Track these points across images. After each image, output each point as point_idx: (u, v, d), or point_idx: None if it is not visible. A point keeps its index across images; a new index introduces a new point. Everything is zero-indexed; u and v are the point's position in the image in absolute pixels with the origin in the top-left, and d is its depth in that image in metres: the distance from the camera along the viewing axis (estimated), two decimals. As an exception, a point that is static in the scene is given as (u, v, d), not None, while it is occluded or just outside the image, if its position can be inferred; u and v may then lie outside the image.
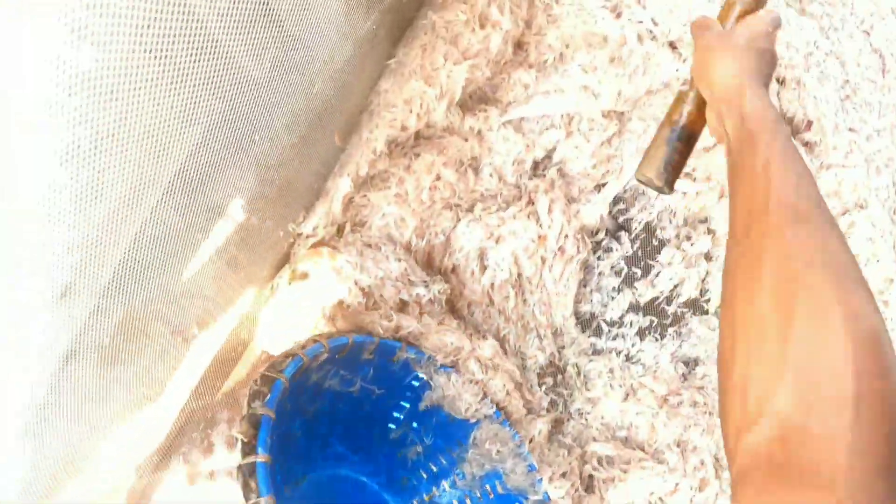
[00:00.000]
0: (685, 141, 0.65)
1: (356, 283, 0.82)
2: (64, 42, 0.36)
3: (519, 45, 0.84)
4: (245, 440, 0.59)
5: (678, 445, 0.95)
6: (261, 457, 0.58)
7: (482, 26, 0.81)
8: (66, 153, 0.40)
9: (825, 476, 0.27)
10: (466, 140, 0.84)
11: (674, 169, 0.65)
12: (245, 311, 0.82)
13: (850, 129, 0.98)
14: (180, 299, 0.68)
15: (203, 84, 0.51)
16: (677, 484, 0.91)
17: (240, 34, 0.53)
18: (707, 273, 1.00)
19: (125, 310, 0.58)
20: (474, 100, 0.86)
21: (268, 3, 0.56)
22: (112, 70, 0.40)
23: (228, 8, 0.50)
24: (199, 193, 0.60)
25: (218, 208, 0.68)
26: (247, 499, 0.56)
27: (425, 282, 0.83)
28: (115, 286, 0.54)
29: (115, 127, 0.43)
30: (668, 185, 0.65)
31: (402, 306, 0.85)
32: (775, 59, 0.61)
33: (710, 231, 0.94)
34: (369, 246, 0.82)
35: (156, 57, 0.45)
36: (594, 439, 0.96)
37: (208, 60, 0.51)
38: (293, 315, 0.83)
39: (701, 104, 0.63)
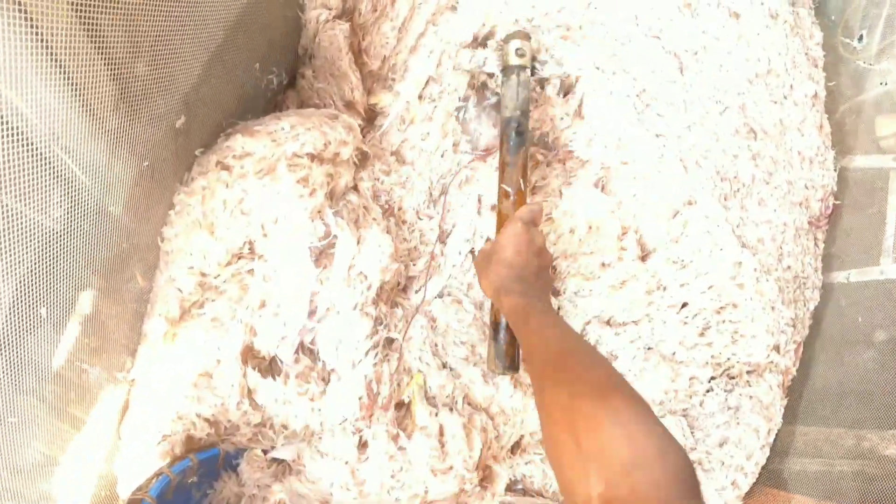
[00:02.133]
0: (502, 331, 0.82)
1: (199, 416, 0.82)
2: None
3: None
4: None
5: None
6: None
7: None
8: None
9: None
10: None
11: (507, 355, 0.82)
12: (99, 470, 0.82)
13: (658, 136, 1.00)
14: (27, 472, 0.68)
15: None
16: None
17: (20, 188, 0.54)
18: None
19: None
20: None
21: (48, 158, 0.57)
22: None
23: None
24: (18, 356, 0.60)
25: (42, 366, 0.68)
26: None
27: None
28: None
29: None
30: (513, 368, 0.83)
31: (257, 427, 0.86)
32: (544, 256, 0.80)
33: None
34: (202, 375, 0.82)
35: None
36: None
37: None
38: (146, 458, 0.83)
39: None
